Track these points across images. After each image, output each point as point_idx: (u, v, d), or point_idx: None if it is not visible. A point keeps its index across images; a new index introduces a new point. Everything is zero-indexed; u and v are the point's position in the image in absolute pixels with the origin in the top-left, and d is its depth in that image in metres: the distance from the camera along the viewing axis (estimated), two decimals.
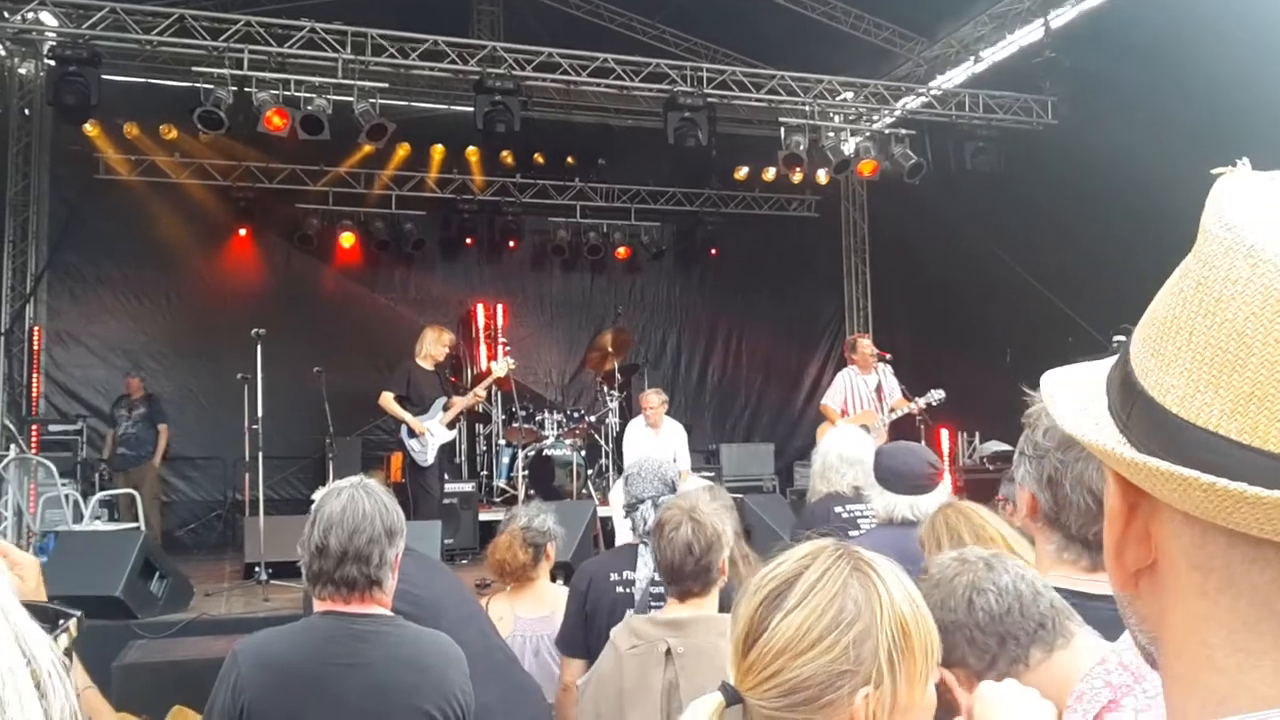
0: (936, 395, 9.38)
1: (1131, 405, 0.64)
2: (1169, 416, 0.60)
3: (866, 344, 9.84)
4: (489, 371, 10.44)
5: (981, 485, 9.25)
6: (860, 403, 9.58)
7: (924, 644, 1.34)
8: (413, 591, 3.13)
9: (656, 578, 3.66)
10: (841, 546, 1.41)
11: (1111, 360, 0.71)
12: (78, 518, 9.37)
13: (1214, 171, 0.64)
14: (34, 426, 11.37)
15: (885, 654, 1.30)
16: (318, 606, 2.71)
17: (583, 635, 3.79)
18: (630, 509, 3.95)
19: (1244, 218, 0.59)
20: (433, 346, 9.35)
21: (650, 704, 2.71)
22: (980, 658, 1.59)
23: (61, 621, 0.91)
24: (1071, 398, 0.72)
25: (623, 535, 4.94)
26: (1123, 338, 0.70)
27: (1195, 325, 0.60)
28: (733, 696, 1.32)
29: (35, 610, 0.68)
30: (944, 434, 11.54)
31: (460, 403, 9.47)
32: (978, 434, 12.14)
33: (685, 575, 2.89)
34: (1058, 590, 1.85)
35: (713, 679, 2.59)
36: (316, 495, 2.85)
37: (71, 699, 0.68)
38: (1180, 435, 0.59)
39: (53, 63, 9.79)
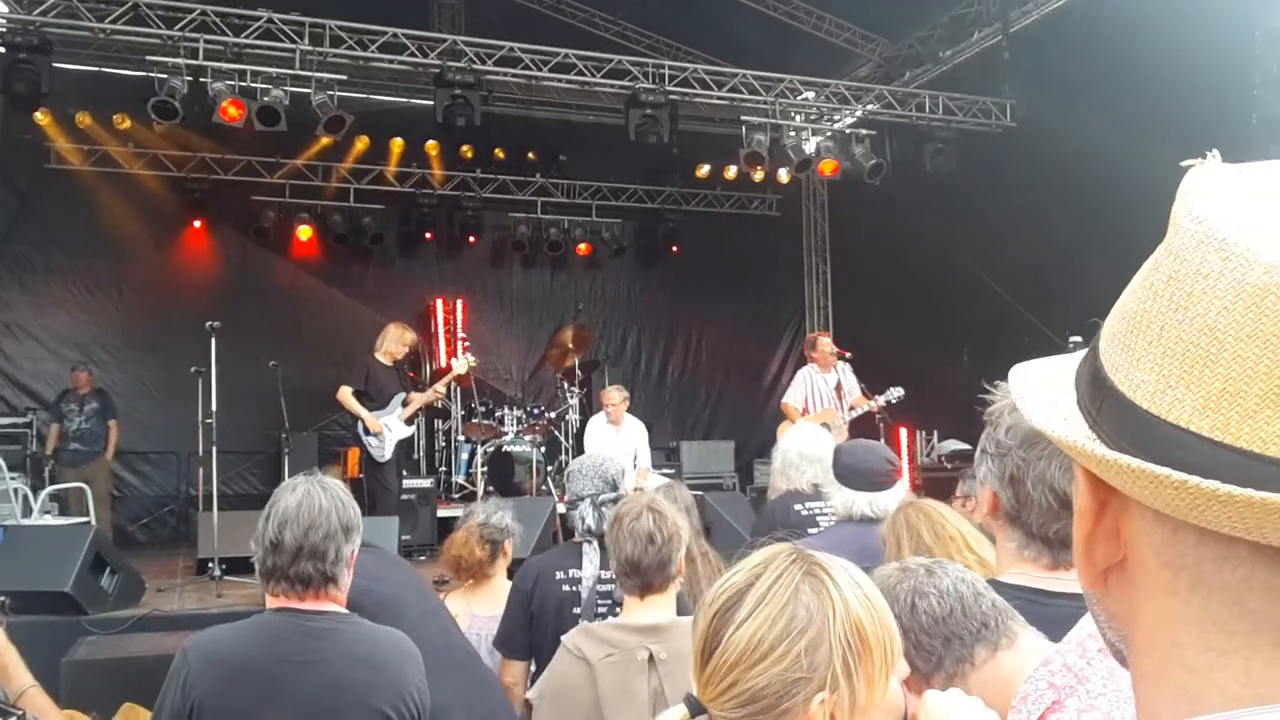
0: (895, 393, 9.45)
1: (1101, 401, 0.63)
2: (1139, 412, 0.60)
3: (827, 342, 9.89)
4: (449, 368, 10.40)
5: (940, 484, 9.33)
6: (821, 401, 9.63)
7: (882, 644, 1.34)
8: (372, 587, 3.09)
9: (604, 575, 3.64)
10: (796, 552, 1.41)
11: (1080, 355, 0.70)
12: (26, 512, 9.21)
13: (1184, 164, 0.63)
14: None
15: (840, 658, 1.31)
16: (270, 603, 2.68)
17: (526, 635, 3.74)
18: (570, 506, 3.93)
19: (1215, 211, 0.59)
20: (394, 344, 9.30)
21: (636, 713, 2.67)
22: (926, 660, 1.60)
23: None
24: (1040, 393, 0.71)
25: None
26: (1079, 339, 0.69)
27: (1166, 320, 0.59)
28: (696, 708, 1.33)
29: None
30: (903, 433, 11.63)
31: (419, 399, 9.43)
32: (936, 433, 12.24)
33: (645, 568, 2.86)
34: (1018, 588, 1.87)
35: None
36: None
37: None
38: (1151, 431, 0.59)
39: (2, 50, 9.59)
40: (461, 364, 9.94)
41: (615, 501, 3.91)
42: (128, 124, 11.77)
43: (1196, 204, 0.60)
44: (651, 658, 2.70)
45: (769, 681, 1.29)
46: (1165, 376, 0.58)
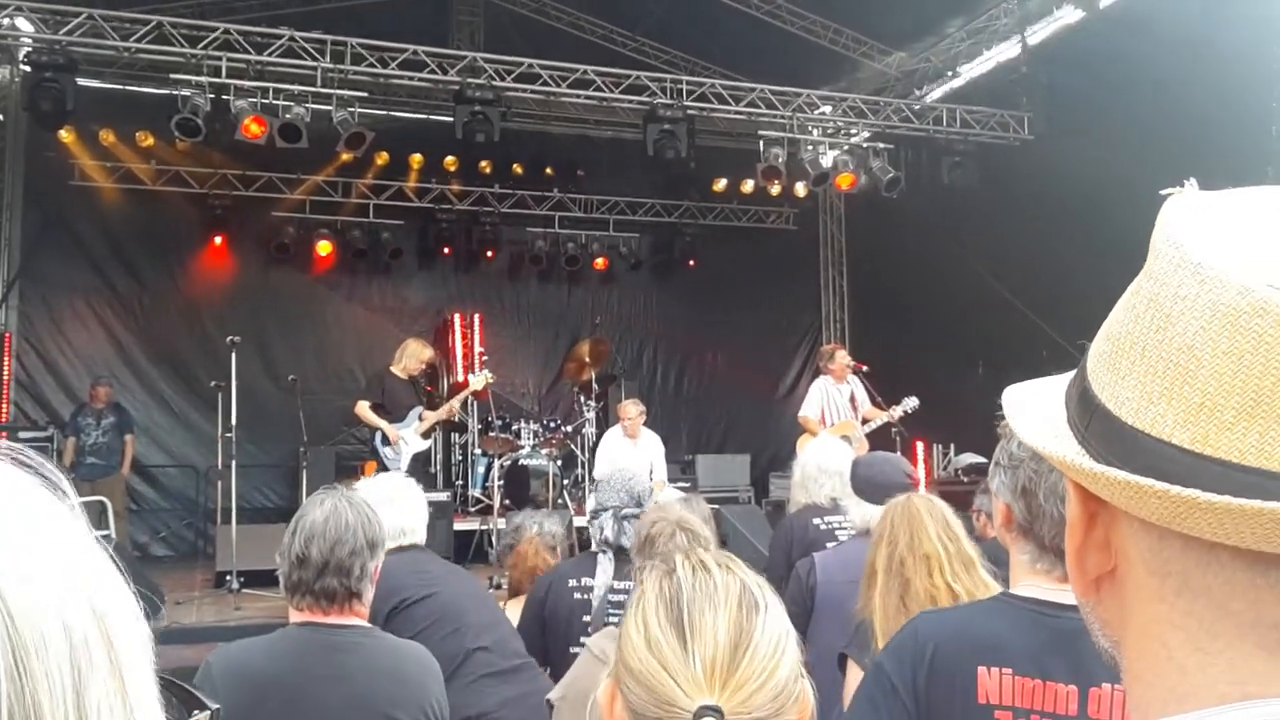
0: (911, 403, 9.42)
1: (1089, 417, 0.66)
2: (1124, 428, 0.63)
3: (844, 355, 9.87)
4: (466, 383, 10.41)
5: (956, 497, 9.21)
6: (837, 412, 9.62)
7: None
8: (430, 593, 3.15)
9: (616, 585, 3.67)
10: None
11: (1070, 375, 0.73)
12: None
13: (1163, 193, 0.67)
14: (3, 434, 11.25)
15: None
16: (294, 617, 2.69)
17: (539, 642, 3.79)
18: (591, 516, 3.96)
19: (1190, 236, 0.62)
20: (411, 360, 9.31)
21: None
22: None
23: (196, 713, 0.74)
24: (1032, 411, 0.74)
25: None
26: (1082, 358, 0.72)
27: (1148, 340, 0.63)
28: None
29: (166, 686, 0.62)
30: (919, 446, 11.60)
31: (434, 415, 9.45)
32: (953, 446, 12.19)
33: None
34: (1030, 600, 1.88)
35: None
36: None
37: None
38: (1135, 445, 0.62)
39: (28, 68, 9.74)
40: (479, 380, 9.96)
41: (638, 517, 3.94)
42: (150, 141, 11.87)
43: (1174, 230, 0.63)
44: None
45: (790, 670, 1.28)
46: (1148, 393, 0.62)
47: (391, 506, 3.48)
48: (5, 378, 12.12)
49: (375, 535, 2.70)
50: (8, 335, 12.24)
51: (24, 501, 0.54)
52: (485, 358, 11.28)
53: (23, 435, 11.36)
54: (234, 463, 8.96)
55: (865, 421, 9.55)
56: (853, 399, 9.62)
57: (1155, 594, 0.65)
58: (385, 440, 9.07)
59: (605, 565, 3.78)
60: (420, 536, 3.75)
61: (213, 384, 9.60)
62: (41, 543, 0.53)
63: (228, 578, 8.36)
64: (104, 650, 0.53)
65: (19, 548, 0.51)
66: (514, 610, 4.44)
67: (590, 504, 5.58)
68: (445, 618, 3.47)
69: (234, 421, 8.93)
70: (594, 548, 3.89)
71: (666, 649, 1.24)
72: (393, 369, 9.30)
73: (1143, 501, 0.61)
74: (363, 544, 2.65)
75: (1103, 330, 0.69)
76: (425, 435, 9.36)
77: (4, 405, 12.07)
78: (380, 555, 2.73)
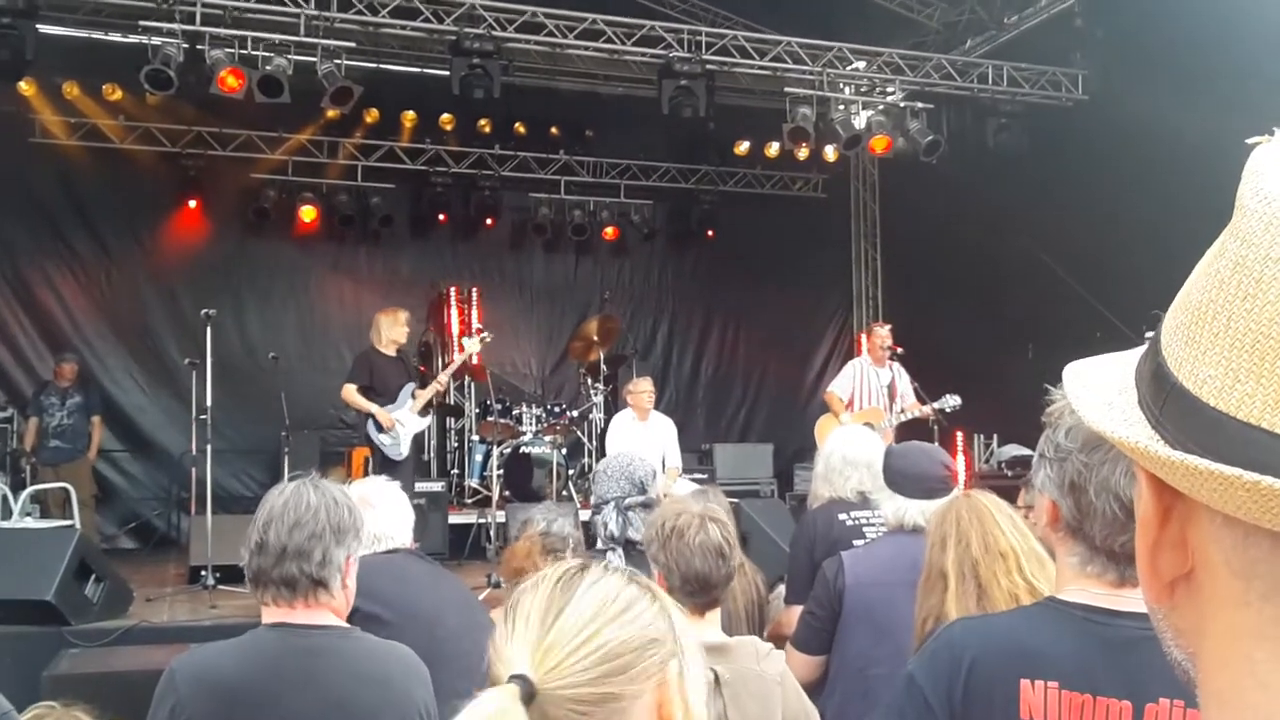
0: (952, 401, 9.39)
1: (1164, 398, 0.64)
2: (1205, 409, 0.60)
3: (883, 334, 9.84)
4: (461, 349, 10.38)
5: (999, 493, 9.23)
6: (869, 396, 9.60)
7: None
8: (406, 598, 3.17)
9: None
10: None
11: (1141, 350, 0.70)
12: (6, 514, 9.33)
13: (1249, 141, 0.64)
14: None
15: (680, 634, 1.37)
16: (266, 617, 2.69)
17: None
18: (593, 511, 3.94)
19: None
20: (390, 330, 9.30)
21: None
22: None
23: None
24: (1097, 392, 0.71)
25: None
26: (1155, 331, 0.70)
27: (1233, 309, 0.60)
28: (528, 689, 1.23)
29: None
30: (959, 436, 11.58)
31: (424, 394, 9.45)
32: (996, 437, 12.19)
33: (715, 584, 2.87)
34: (1079, 606, 1.86)
35: (755, 706, 2.58)
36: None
37: None
38: (1219, 430, 0.59)
39: None
40: (473, 343, 9.91)
41: (644, 506, 3.92)
42: (118, 95, 11.87)
43: (1264, 183, 0.60)
44: (717, 679, 2.64)
45: (628, 635, 1.30)
46: (1233, 370, 0.59)
47: (368, 511, 3.47)
48: None
49: (341, 520, 2.67)
50: None
51: None
52: (484, 334, 11.26)
53: None
54: (209, 447, 8.96)
55: (902, 413, 9.53)
56: (892, 387, 9.59)
57: (1239, 599, 0.63)
58: (379, 427, 9.06)
59: (615, 564, 3.76)
60: (400, 541, 3.75)
61: (186, 361, 9.61)
62: None
63: (202, 573, 8.38)
64: None
65: None
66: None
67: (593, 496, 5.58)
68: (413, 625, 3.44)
69: (209, 403, 8.94)
70: (600, 545, 3.88)
71: (496, 635, 1.34)
72: (378, 347, 9.30)
73: (1228, 494, 0.58)
74: (325, 527, 2.63)
75: (1179, 299, 0.66)
76: (423, 413, 9.34)
77: None
78: (353, 545, 2.72)
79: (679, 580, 2.93)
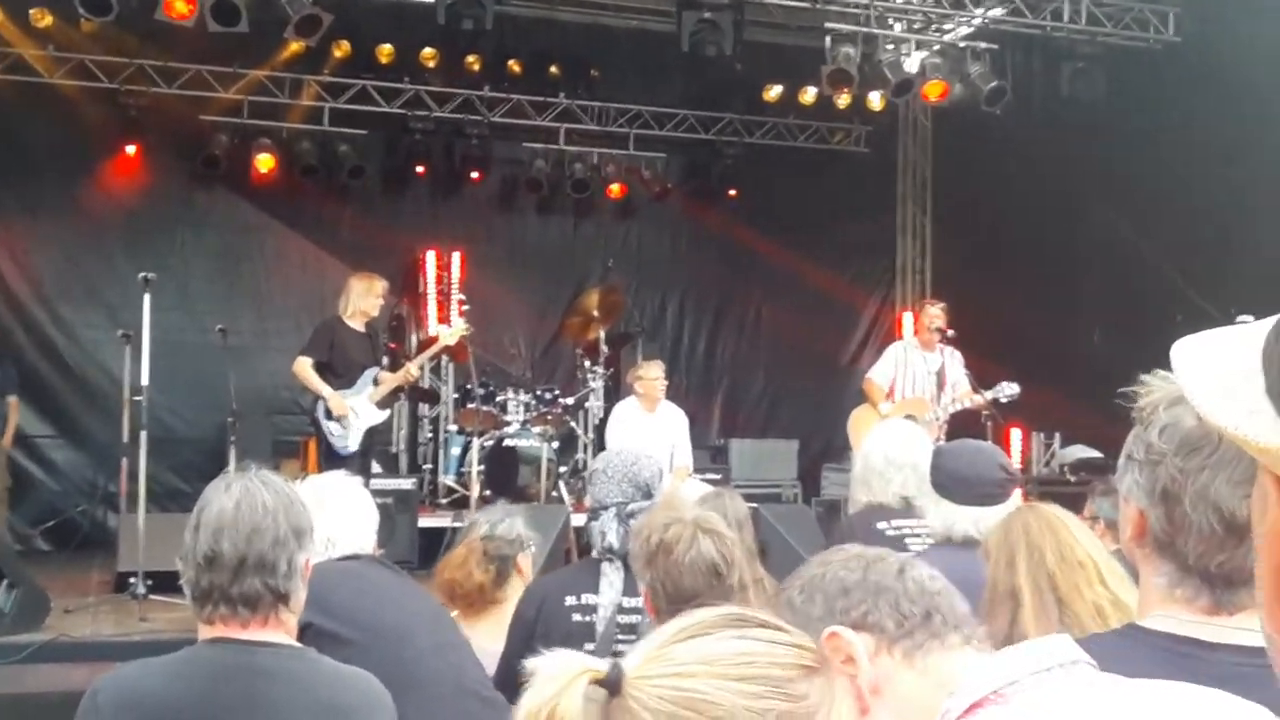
0: (1009, 389, 9.39)
1: None
2: None
3: (935, 312, 9.85)
4: (436, 338, 10.39)
5: (1061, 501, 9.22)
6: (913, 385, 9.61)
7: None
8: (369, 612, 3.24)
9: (626, 603, 3.66)
10: None
11: (1270, 323, 0.66)
12: None
13: None
14: None
15: None
16: (204, 633, 2.69)
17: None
18: (590, 516, 3.94)
19: None
20: (362, 300, 9.32)
21: None
22: (900, 624, 1.79)
23: None
24: (1216, 378, 0.67)
25: None
26: (1248, 318, 0.65)
27: None
28: (616, 678, 1.37)
29: None
30: (1015, 434, 11.57)
31: (390, 380, 9.44)
32: (1058, 436, 12.22)
33: (708, 605, 2.86)
34: (1166, 636, 1.85)
35: None
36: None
37: None
38: None
39: None
40: (452, 332, 9.94)
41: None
42: (48, 21, 11.82)
43: None
44: None
45: (719, 699, 1.37)
46: None
47: (320, 511, 3.45)
48: None
49: (300, 521, 2.69)
50: None
51: None
52: (466, 306, 11.26)
53: None
54: (144, 434, 9.00)
55: (954, 401, 9.53)
56: (941, 375, 9.59)
57: None
58: (329, 414, 9.05)
59: (612, 577, 3.77)
60: (361, 546, 3.73)
61: (120, 333, 9.62)
62: None
63: (132, 580, 8.41)
64: None
65: None
66: (470, 634, 4.38)
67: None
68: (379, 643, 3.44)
69: (145, 381, 8.96)
70: (595, 554, 3.88)
71: None
72: (344, 317, 9.29)
73: None
74: (286, 532, 2.64)
75: None
76: (383, 405, 9.35)
77: None
78: (310, 546, 2.73)
79: (665, 602, 2.94)
